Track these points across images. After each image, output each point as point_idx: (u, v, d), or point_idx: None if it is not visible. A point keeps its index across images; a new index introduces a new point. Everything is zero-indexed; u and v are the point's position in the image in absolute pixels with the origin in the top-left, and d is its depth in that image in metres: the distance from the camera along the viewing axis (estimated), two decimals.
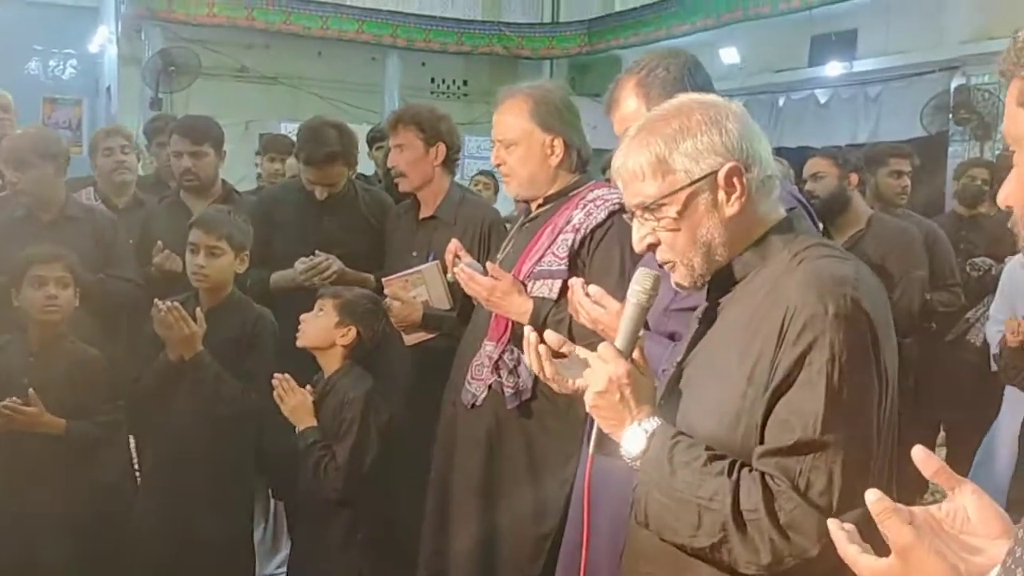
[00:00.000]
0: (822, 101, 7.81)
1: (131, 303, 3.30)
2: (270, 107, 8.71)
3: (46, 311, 2.75)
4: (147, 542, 2.87)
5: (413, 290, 2.86)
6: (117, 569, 3.06)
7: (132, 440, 3.77)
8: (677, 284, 1.46)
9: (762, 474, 1.28)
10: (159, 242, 3.36)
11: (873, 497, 0.98)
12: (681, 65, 1.99)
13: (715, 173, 1.37)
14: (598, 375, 1.41)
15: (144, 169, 4.93)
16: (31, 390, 2.63)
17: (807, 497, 1.25)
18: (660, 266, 1.50)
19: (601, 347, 1.45)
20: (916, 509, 1.02)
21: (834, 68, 7.47)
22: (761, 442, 1.31)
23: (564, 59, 10.16)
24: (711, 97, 1.47)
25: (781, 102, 8.07)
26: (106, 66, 9.32)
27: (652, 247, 1.45)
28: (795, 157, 4.20)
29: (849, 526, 1.03)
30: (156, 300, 2.76)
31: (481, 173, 6.49)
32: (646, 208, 1.41)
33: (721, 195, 1.38)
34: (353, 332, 2.68)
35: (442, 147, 3.11)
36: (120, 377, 2.95)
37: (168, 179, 4.46)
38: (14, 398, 2.61)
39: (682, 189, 1.38)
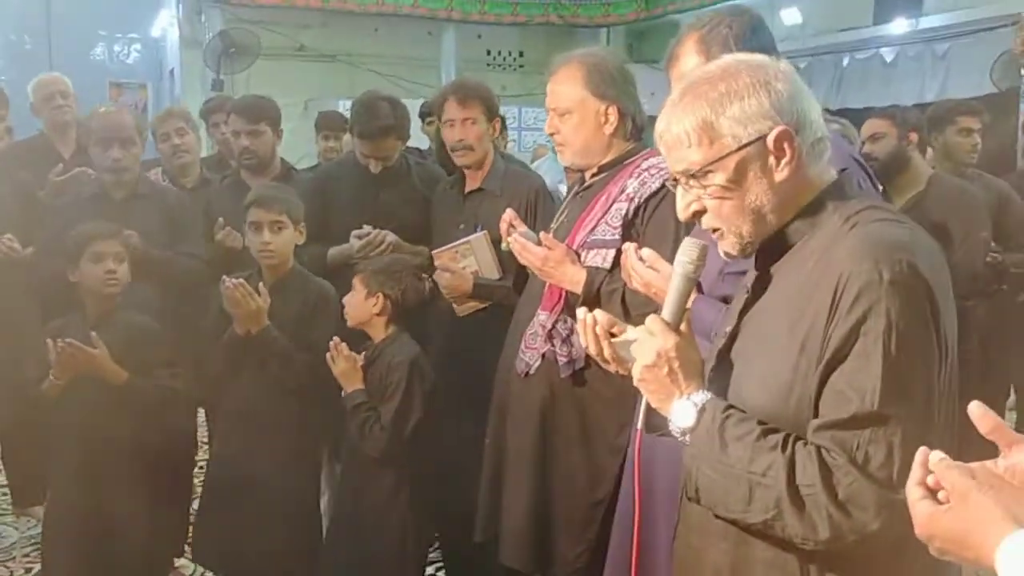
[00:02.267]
0: (888, 60, 7.57)
1: (198, 279, 3.41)
2: (329, 85, 8.77)
3: (108, 285, 2.85)
4: (219, 512, 2.97)
5: (463, 261, 2.90)
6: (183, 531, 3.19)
7: (203, 413, 3.91)
8: (725, 253, 1.42)
9: (818, 448, 1.24)
10: (220, 219, 3.44)
11: (936, 457, 0.97)
12: (745, 23, 1.94)
13: (764, 137, 1.32)
14: (646, 348, 1.39)
15: (209, 149, 5.03)
16: (93, 334, 2.73)
17: (866, 471, 1.20)
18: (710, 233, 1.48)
19: (649, 320, 1.41)
20: (975, 465, 1.00)
21: (900, 25, 7.24)
22: (815, 415, 1.27)
23: (621, 26, 10.02)
24: (758, 57, 1.41)
25: (845, 62, 7.86)
26: (169, 49, 9.51)
27: (697, 215, 1.41)
28: (861, 118, 4.10)
29: (935, 464, 1.00)
30: (224, 277, 2.83)
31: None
32: (692, 175, 1.37)
33: (771, 160, 1.33)
34: (381, 299, 2.78)
35: (498, 121, 3.16)
36: (181, 347, 3.05)
37: (229, 158, 4.56)
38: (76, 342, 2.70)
39: (730, 155, 1.33)
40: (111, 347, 2.79)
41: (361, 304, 2.79)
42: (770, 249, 1.41)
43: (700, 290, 1.91)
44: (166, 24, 9.37)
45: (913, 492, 1.00)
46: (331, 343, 2.75)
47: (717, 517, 1.37)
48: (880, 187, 1.99)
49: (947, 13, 7.01)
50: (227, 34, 8.11)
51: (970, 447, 1.26)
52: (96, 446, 2.79)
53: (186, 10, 8.76)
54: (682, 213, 1.43)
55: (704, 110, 1.34)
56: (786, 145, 1.33)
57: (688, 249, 1.43)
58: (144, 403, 2.83)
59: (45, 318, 3.12)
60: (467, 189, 3.18)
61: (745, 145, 1.33)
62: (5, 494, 4.28)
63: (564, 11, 9.77)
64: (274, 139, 3.68)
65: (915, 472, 1.02)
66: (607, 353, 1.57)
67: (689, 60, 1.95)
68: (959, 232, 3.40)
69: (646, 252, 1.93)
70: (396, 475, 2.75)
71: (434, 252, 2.96)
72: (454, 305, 2.92)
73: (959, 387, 1.30)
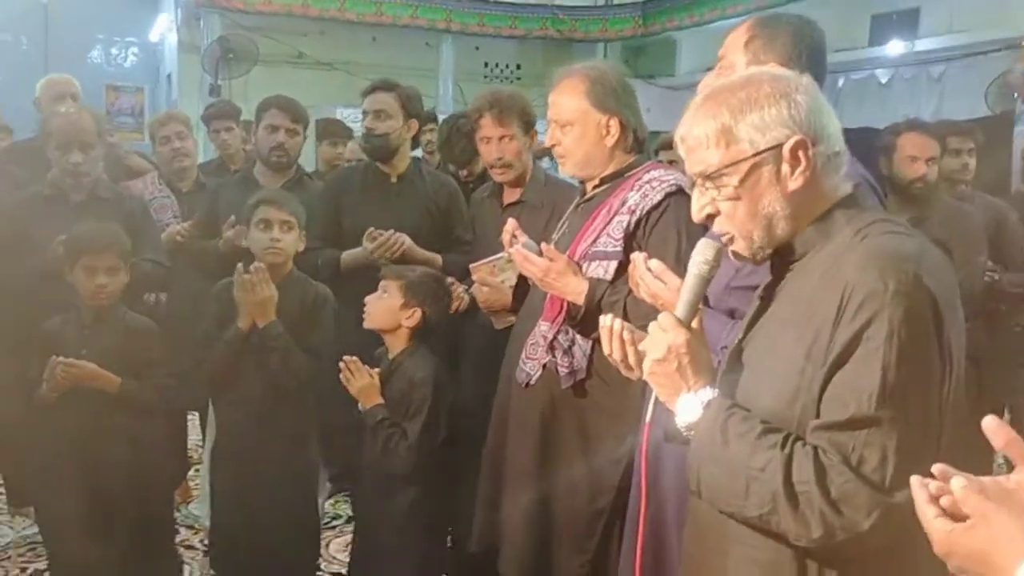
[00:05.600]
0: (883, 81, 7.66)
1: (158, 286, 3.51)
2: (326, 93, 8.79)
3: (96, 298, 2.85)
4: (220, 514, 2.99)
5: (501, 275, 2.81)
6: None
7: (196, 417, 3.90)
8: (735, 254, 1.45)
9: (815, 448, 1.27)
10: (232, 217, 3.41)
11: (960, 484, 0.98)
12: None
13: (780, 146, 1.36)
14: (657, 343, 1.43)
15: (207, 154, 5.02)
16: (83, 351, 2.76)
17: (859, 472, 1.24)
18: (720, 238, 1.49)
19: (661, 316, 1.46)
20: (986, 479, 1.01)
21: (895, 47, 7.32)
22: (818, 418, 1.30)
23: (618, 41, 10.10)
24: (782, 70, 1.46)
25: (841, 83, 7.93)
26: (167, 54, 9.52)
27: (711, 217, 1.44)
28: (856, 139, 4.11)
29: (934, 484, 1.02)
30: (239, 265, 2.82)
31: None
32: (707, 177, 1.41)
33: (785, 168, 1.37)
34: (419, 314, 2.71)
35: (535, 132, 3.10)
36: (178, 350, 3.03)
37: (229, 163, 4.56)
38: (70, 359, 2.72)
39: (745, 160, 1.37)
40: (106, 346, 2.81)
41: (393, 311, 2.71)
42: (783, 258, 1.44)
43: (707, 303, 1.92)
44: (164, 29, 9.39)
45: (927, 510, 1.01)
46: (343, 361, 2.68)
47: (721, 514, 1.39)
48: (884, 207, 1.99)
49: (943, 36, 7.09)
50: (225, 40, 8.13)
51: (967, 459, 1.27)
52: (91, 448, 2.79)
53: (185, 15, 8.78)
54: (696, 214, 1.46)
55: (724, 115, 1.39)
56: (801, 154, 1.36)
57: (704, 249, 1.47)
58: (138, 405, 2.83)
59: (38, 317, 3.08)
60: (507, 201, 3.12)
61: (762, 151, 1.37)
62: (0, 493, 4.25)
63: (562, 25, 9.82)
64: (302, 143, 3.73)
65: (922, 490, 1.03)
66: (632, 359, 1.59)
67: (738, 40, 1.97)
68: (959, 255, 3.40)
69: (654, 263, 1.93)
70: (416, 492, 2.68)
71: (472, 266, 2.89)
72: (491, 318, 2.86)
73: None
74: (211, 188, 3.84)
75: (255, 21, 8.60)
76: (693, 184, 1.46)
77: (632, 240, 2.36)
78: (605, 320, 1.59)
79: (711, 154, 1.40)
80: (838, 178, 1.42)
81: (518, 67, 10.19)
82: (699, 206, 1.45)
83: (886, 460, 1.24)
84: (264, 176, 3.65)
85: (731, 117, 1.38)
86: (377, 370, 2.71)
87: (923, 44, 7.16)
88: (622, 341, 1.57)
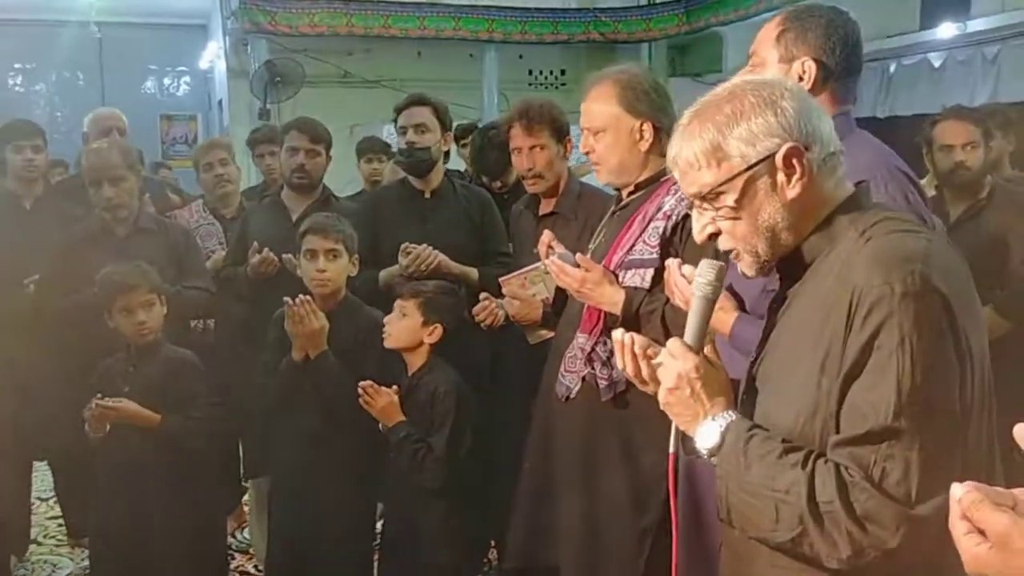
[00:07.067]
0: (936, 65, 7.43)
1: (204, 313, 3.55)
2: (373, 110, 8.79)
3: (140, 336, 2.89)
4: (276, 540, 3.00)
5: (531, 288, 2.81)
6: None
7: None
8: (743, 273, 1.42)
9: (836, 465, 1.23)
10: (255, 243, 3.44)
11: (959, 492, 0.93)
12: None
13: (772, 156, 1.33)
14: (668, 371, 1.40)
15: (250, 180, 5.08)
16: (126, 389, 2.82)
17: (882, 488, 1.19)
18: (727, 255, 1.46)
19: (670, 343, 1.42)
20: (1018, 492, 0.95)
21: (947, 30, 7.10)
22: (839, 432, 1.25)
23: (662, 40, 9.97)
24: (764, 77, 1.44)
25: (892, 68, 7.71)
26: (217, 81, 9.68)
27: (713, 237, 1.41)
28: (910, 125, 4.00)
29: (962, 500, 0.96)
30: (286, 297, 2.82)
31: None
32: (703, 197, 1.38)
33: (781, 177, 1.34)
34: (440, 329, 2.71)
35: (570, 142, 3.07)
36: (232, 381, 3.06)
37: (273, 187, 4.61)
38: (110, 399, 2.77)
39: (739, 175, 1.34)
40: (148, 383, 2.85)
41: (415, 330, 2.72)
42: (791, 267, 1.40)
43: (743, 308, 1.88)
44: (213, 56, 9.55)
45: (957, 527, 0.95)
46: (361, 386, 2.68)
47: (751, 539, 1.35)
48: (924, 199, 1.92)
49: (996, 15, 6.85)
50: (272, 64, 8.23)
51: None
52: (140, 481, 2.84)
53: (232, 42, 8.91)
54: (698, 235, 1.44)
55: (711, 132, 1.36)
56: (795, 162, 1.33)
57: (705, 271, 1.43)
58: (179, 439, 2.85)
59: (93, 351, 3.14)
60: (541, 212, 3.10)
61: (754, 164, 1.34)
62: (61, 525, 4.34)
63: (604, 28, 9.74)
64: (326, 163, 3.70)
65: (954, 505, 0.98)
66: (645, 372, 1.53)
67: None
68: (1020, 244, 3.28)
69: (688, 269, 1.89)
70: (446, 504, 2.68)
71: (501, 279, 2.88)
72: (525, 333, 2.84)
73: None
74: (244, 213, 3.86)
75: (301, 43, 8.68)
76: (690, 205, 1.43)
77: (669, 246, 2.31)
78: (617, 335, 1.55)
79: (704, 174, 1.37)
80: (837, 179, 1.38)
81: (562, 72, 10.14)
82: (700, 227, 1.42)
83: (909, 473, 1.19)
84: (290, 199, 3.65)
85: (718, 133, 1.35)
86: (395, 388, 2.71)
87: (976, 24, 6.92)
88: (634, 356, 1.52)
